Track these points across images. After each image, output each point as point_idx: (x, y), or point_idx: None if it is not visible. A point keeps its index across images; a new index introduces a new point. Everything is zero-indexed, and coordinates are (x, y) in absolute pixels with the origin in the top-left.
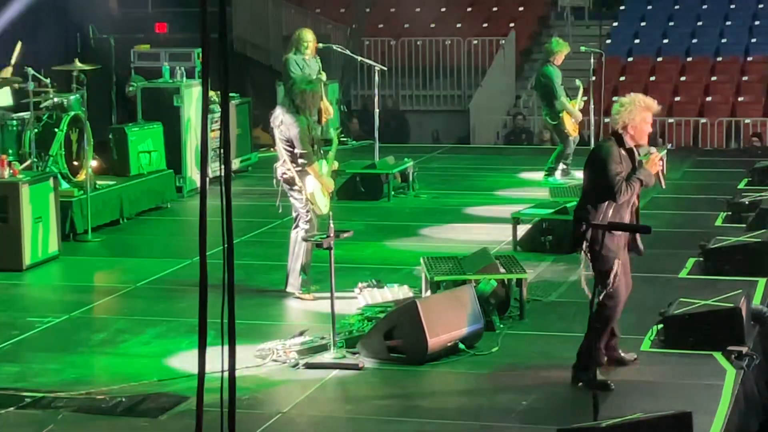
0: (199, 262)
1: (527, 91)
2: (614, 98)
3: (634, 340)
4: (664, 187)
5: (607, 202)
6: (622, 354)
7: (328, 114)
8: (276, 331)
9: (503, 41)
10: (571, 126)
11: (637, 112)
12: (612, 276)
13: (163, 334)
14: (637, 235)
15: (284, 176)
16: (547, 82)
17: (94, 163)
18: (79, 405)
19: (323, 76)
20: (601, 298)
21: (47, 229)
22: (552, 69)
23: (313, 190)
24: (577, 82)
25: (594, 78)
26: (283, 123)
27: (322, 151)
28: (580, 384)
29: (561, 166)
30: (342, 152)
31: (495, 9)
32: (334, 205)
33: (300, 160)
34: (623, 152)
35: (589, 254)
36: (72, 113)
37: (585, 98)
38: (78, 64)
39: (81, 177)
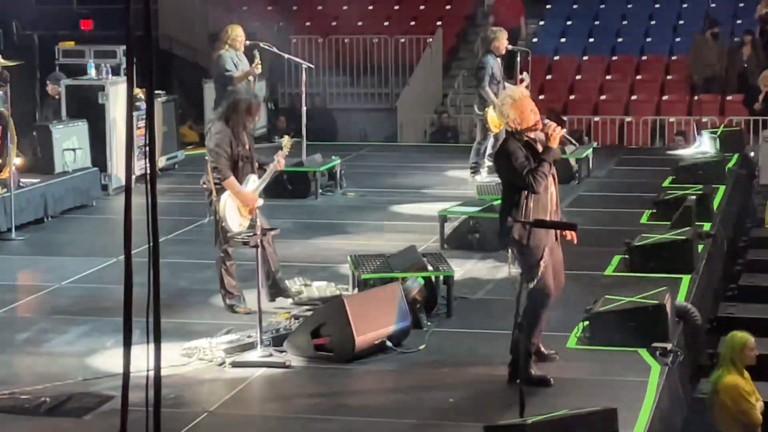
0: (124, 260)
1: (454, 89)
2: (540, 96)
3: (560, 337)
4: (577, 146)
5: (524, 195)
6: (542, 349)
7: None
8: (202, 329)
9: (430, 39)
10: (493, 121)
11: (509, 109)
12: (541, 266)
13: (88, 334)
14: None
15: (204, 185)
16: (479, 69)
17: (18, 161)
18: (2, 405)
19: (259, 69)
20: (529, 289)
21: None
22: (488, 58)
23: (226, 207)
24: (525, 75)
25: (521, 77)
26: (209, 131)
27: (255, 164)
28: (518, 381)
29: (486, 162)
30: (272, 149)
31: (422, 7)
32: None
33: (214, 174)
34: (520, 145)
35: (516, 250)
36: None
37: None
38: (1, 61)
39: (4, 175)
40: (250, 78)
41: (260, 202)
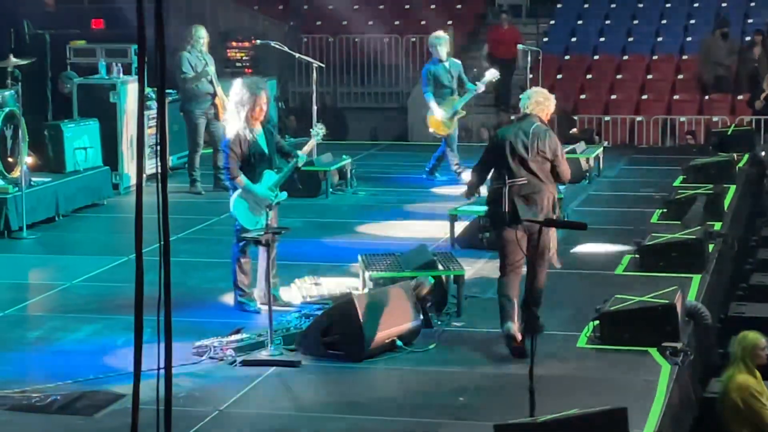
0: (135, 259)
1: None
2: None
3: (571, 337)
4: None
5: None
6: None
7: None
8: (213, 328)
9: None
10: (434, 123)
11: (553, 107)
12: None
13: (99, 332)
14: None
15: (220, 182)
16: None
17: (29, 160)
18: (14, 403)
19: (211, 69)
20: (543, 270)
21: None
22: (430, 65)
23: (236, 205)
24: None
25: (531, 76)
26: (225, 129)
27: (275, 160)
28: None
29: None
30: None
31: (433, 7)
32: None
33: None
34: None
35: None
36: (7, 109)
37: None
38: (13, 60)
39: (16, 173)
40: (209, 78)
41: (284, 195)
